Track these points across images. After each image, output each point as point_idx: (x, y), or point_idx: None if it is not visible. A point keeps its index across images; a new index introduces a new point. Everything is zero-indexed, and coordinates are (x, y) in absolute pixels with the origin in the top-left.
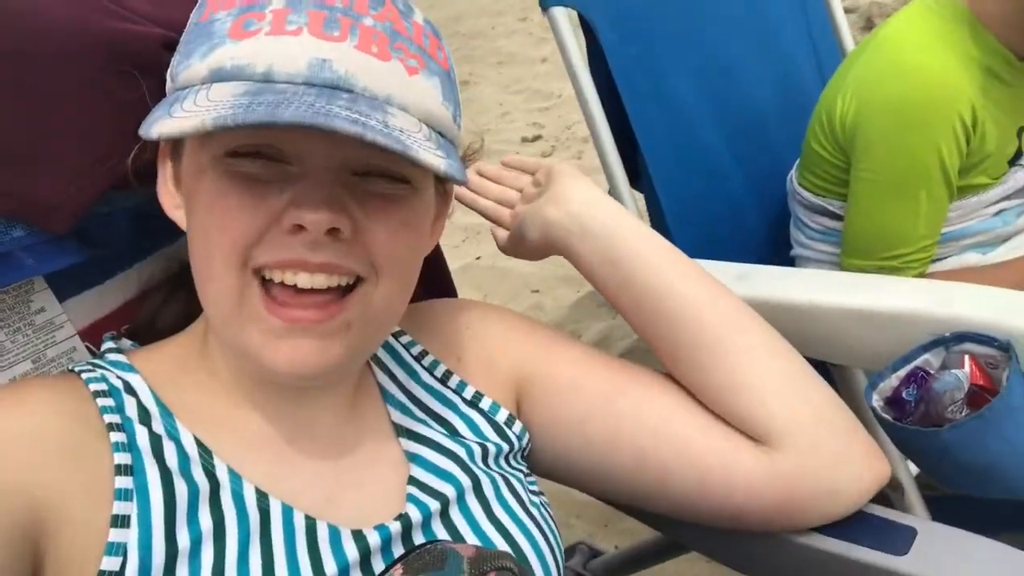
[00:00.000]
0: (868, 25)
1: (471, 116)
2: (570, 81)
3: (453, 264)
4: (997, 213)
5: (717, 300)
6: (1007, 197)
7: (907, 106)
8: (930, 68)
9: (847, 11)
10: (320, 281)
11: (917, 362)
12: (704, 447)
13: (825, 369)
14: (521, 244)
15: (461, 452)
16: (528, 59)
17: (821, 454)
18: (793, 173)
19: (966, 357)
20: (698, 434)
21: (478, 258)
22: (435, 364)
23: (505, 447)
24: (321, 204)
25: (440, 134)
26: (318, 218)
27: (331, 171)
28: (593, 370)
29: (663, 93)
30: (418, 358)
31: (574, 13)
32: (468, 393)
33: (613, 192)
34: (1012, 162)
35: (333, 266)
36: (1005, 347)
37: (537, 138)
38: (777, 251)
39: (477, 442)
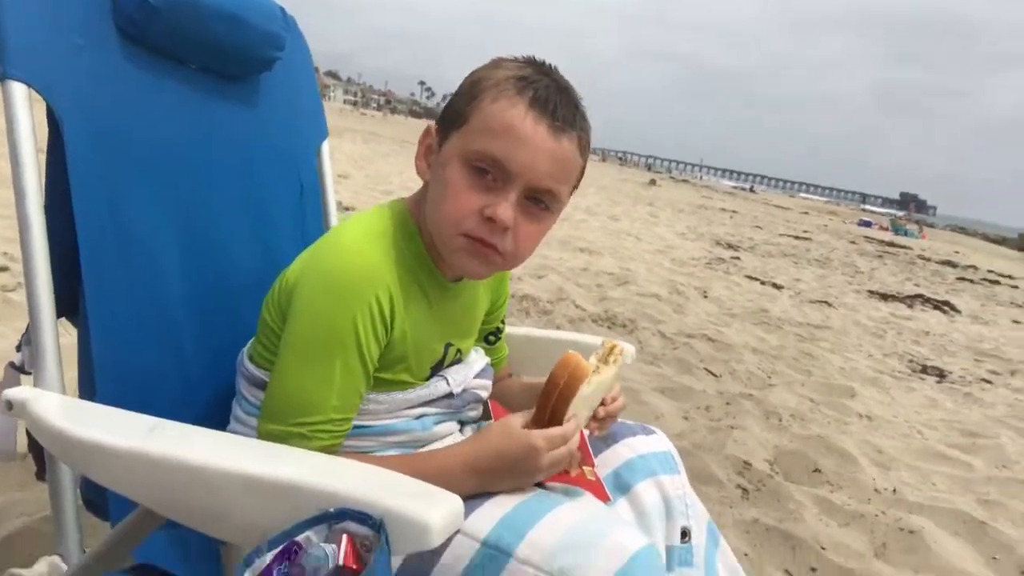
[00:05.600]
0: None
1: None
2: (11, 175)
3: None
4: (418, 417)
5: None
6: (428, 403)
7: (332, 277)
8: (358, 251)
9: None
10: None
11: (297, 538)
12: None
13: None
14: None
15: None
16: None
17: None
18: (246, 348)
19: (344, 535)
20: None
21: None
22: None
23: None
24: None
25: None
26: None
27: None
28: None
29: (126, 226)
30: None
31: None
32: None
33: (32, 319)
34: (435, 370)
35: None
36: (377, 526)
37: (2, 269)
38: (222, 426)
39: None
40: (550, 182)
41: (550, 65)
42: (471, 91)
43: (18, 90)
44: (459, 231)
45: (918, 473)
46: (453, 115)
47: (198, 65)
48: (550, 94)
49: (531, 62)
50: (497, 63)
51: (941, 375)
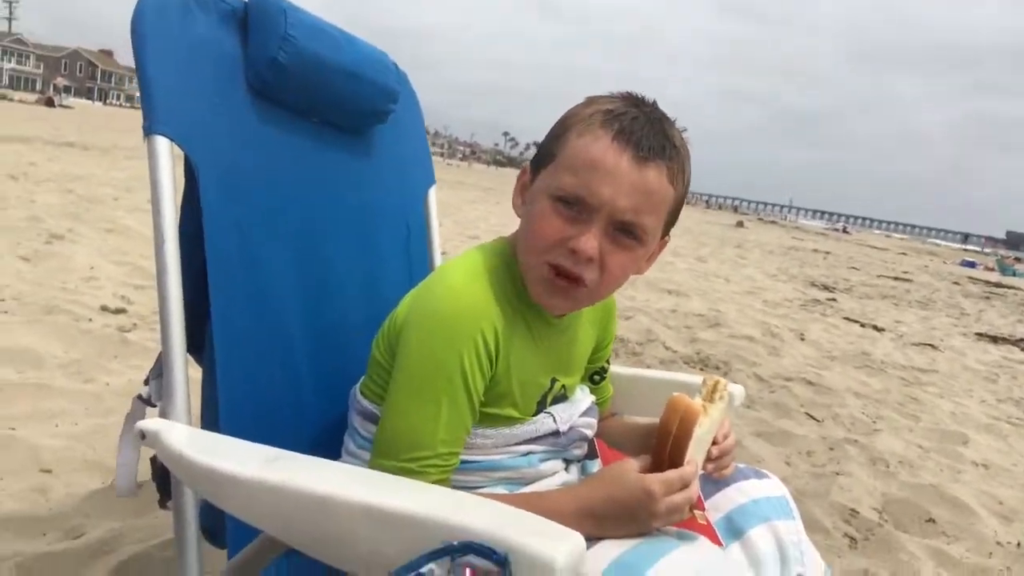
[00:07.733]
0: None
1: (51, 271)
2: (152, 220)
3: None
4: (525, 454)
5: None
6: (535, 439)
7: (438, 316)
8: (463, 289)
9: None
10: None
11: (421, 570)
12: None
13: None
14: None
15: None
16: (145, 238)
17: None
18: (358, 384)
19: (467, 569)
20: None
21: None
22: None
23: None
24: None
25: None
26: None
27: None
28: None
29: (252, 268)
30: None
31: (180, 153)
32: None
33: (165, 355)
34: (540, 406)
35: None
36: (502, 561)
37: (120, 311)
38: (333, 458)
39: None
40: (633, 215)
41: (644, 98)
42: (560, 128)
43: (162, 144)
44: (544, 260)
45: None
46: (543, 153)
47: (320, 119)
48: (636, 126)
49: (625, 96)
50: (590, 100)
51: None
